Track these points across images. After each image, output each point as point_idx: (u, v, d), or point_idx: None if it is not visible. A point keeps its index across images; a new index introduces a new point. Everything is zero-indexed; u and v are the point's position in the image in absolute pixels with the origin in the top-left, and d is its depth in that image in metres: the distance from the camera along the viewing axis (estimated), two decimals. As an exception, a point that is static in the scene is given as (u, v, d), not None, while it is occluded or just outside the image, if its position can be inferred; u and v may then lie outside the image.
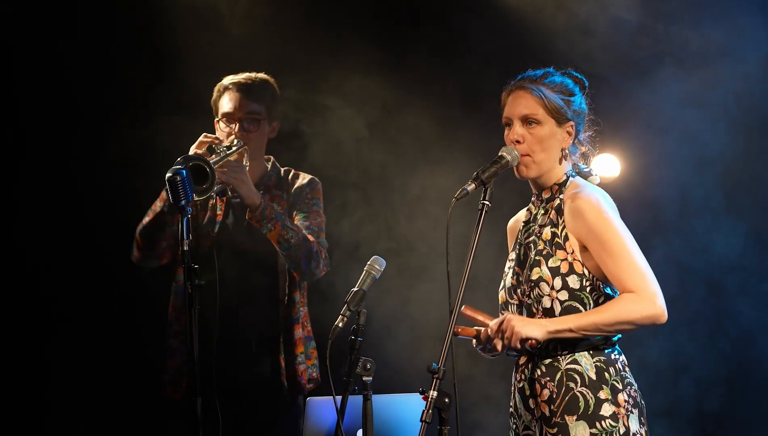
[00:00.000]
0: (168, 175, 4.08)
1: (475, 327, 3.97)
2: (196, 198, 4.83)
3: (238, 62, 5.53)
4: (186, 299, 4.04)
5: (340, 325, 3.94)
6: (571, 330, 3.79)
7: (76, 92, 6.21)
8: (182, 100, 6.07)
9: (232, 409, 5.11)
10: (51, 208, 6.27)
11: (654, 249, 5.92)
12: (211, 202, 5.27)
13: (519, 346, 3.82)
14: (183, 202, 4.08)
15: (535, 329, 3.80)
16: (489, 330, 3.88)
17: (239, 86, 5.25)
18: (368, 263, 4.01)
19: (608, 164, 6.35)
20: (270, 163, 5.38)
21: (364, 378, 3.84)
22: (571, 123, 3.97)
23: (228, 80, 5.28)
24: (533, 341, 3.80)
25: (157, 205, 5.08)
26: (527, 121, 3.95)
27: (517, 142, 3.94)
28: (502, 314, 4.04)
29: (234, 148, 5.10)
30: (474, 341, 4.01)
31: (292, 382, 5.16)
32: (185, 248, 4.05)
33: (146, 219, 5.10)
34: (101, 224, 6.21)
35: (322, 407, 4.32)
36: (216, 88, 5.29)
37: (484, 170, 3.84)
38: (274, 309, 5.20)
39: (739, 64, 6.09)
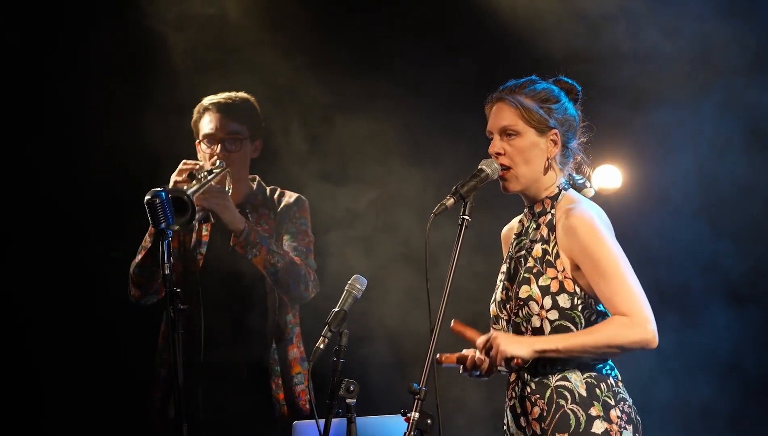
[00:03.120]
0: (147, 197, 4.02)
1: (458, 354, 3.91)
2: (177, 229, 4.78)
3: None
4: (169, 324, 3.98)
5: (321, 347, 3.89)
6: (557, 350, 3.72)
7: (62, 94, 6.19)
8: (169, 102, 6.04)
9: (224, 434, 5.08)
10: (40, 232, 6.27)
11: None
12: (196, 226, 5.21)
13: (503, 364, 3.74)
14: (163, 225, 4.03)
15: (521, 347, 3.73)
16: (476, 347, 3.80)
17: (219, 106, 5.20)
18: (349, 282, 3.95)
19: (609, 175, 6.27)
20: (255, 182, 5.33)
21: (348, 400, 3.79)
22: (555, 131, 3.87)
23: (207, 101, 5.23)
24: (518, 360, 3.74)
25: (147, 240, 5.06)
26: (506, 132, 3.87)
27: (498, 154, 3.87)
28: (493, 327, 3.98)
29: (216, 172, 5.03)
30: (460, 368, 3.93)
31: (291, 405, 5.10)
32: (166, 271, 4.00)
33: (138, 257, 5.08)
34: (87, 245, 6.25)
35: (307, 431, 4.27)
36: (196, 110, 5.24)
37: (463, 184, 3.77)
38: (266, 331, 5.13)
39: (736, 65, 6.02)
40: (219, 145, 5.15)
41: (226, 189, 5.10)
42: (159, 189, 4.06)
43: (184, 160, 5.00)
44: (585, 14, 6.08)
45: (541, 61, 5.84)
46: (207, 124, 5.18)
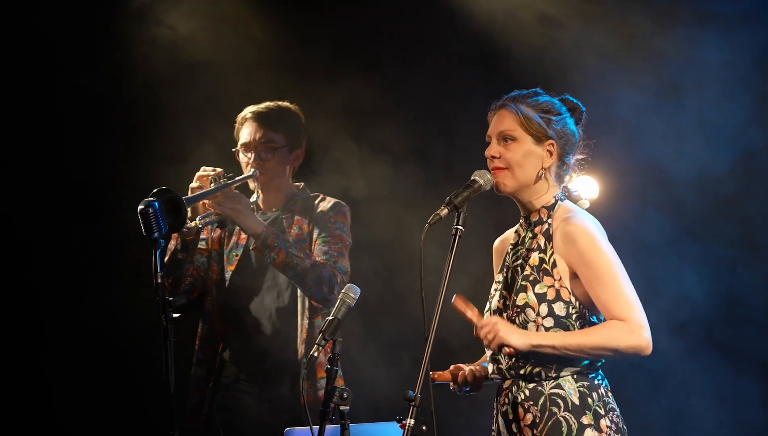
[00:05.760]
0: (140, 207, 4.04)
1: (450, 371, 3.97)
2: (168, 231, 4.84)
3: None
4: (161, 332, 3.99)
5: (316, 354, 3.91)
6: (554, 347, 3.76)
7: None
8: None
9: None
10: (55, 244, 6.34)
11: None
12: (236, 228, 5.31)
13: (495, 349, 3.80)
14: (155, 234, 4.03)
15: (519, 337, 3.77)
16: (475, 326, 3.84)
17: (257, 115, 5.30)
18: (342, 290, 3.98)
19: (586, 186, 6.30)
20: (299, 189, 5.38)
21: (341, 408, 3.80)
22: (552, 142, 3.93)
23: (247, 110, 5.34)
24: (510, 349, 3.78)
25: (171, 243, 5.11)
26: (504, 137, 3.93)
27: (493, 157, 3.92)
28: None
29: (236, 179, 5.14)
30: (451, 383, 3.98)
31: (313, 408, 5.12)
32: (158, 280, 4.01)
33: (165, 259, 5.10)
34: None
35: (302, 438, 4.29)
36: (237, 120, 5.34)
37: (457, 195, 3.81)
38: (294, 334, 5.19)
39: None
40: (253, 153, 5.22)
41: (255, 196, 5.21)
42: (152, 199, 4.08)
43: (203, 167, 5.08)
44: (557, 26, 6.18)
45: (515, 73, 5.98)
46: (244, 132, 5.28)
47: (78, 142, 6.33)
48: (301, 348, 5.16)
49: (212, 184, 5.04)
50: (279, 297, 5.23)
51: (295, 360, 5.17)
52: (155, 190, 4.52)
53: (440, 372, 3.96)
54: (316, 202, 5.34)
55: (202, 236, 5.29)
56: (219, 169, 5.09)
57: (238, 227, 5.28)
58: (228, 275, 5.29)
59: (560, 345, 3.77)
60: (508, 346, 3.77)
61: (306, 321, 5.17)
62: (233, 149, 5.31)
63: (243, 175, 5.21)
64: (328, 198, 5.35)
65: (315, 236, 5.25)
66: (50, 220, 6.36)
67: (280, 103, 5.36)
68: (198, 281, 5.29)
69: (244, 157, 5.28)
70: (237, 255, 5.29)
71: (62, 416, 6.37)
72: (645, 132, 6.24)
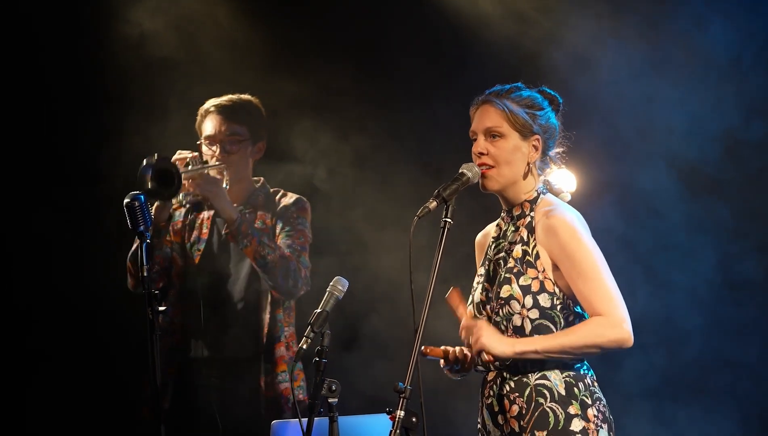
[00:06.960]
0: (126, 200, 4.05)
1: (442, 348, 3.98)
2: (159, 203, 4.88)
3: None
4: (147, 325, 4.00)
5: (304, 347, 3.92)
6: (536, 352, 3.79)
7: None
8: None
9: (211, 429, 5.17)
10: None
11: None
12: (198, 222, 5.32)
13: (475, 354, 3.82)
14: (141, 227, 4.05)
15: (502, 346, 3.80)
16: (461, 326, 3.88)
17: (221, 108, 5.33)
18: (331, 283, 4.00)
19: (564, 179, 6.32)
20: (260, 184, 5.41)
21: (330, 400, 3.81)
22: (537, 137, 3.96)
23: (210, 103, 5.37)
24: (489, 357, 3.81)
25: None
26: (491, 134, 3.94)
27: (481, 154, 3.93)
28: None
29: (210, 164, 5.18)
30: (441, 361, 4.00)
31: (273, 402, 5.16)
32: (144, 273, 4.02)
33: (134, 245, 5.16)
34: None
35: (288, 430, 4.30)
36: (199, 112, 5.38)
37: (445, 188, 3.82)
38: (256, 328, 5.20)
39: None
40: (218, 146, 5.23)
41: (224, 186, 5.20)
42: (138, 192, 4.09)
43: (178, 151, 5.11)
44: (533, 21, 6.19)
45: (491, 67, 5.99)
46: (208, 125, 5.31)
47: (57, 120, 6.32)
48: (261, 342, 5.21)
49: (189, 167, 5.08)
50: (239, 291, 5.26)
51: (257, 354, 5.20)
52: (149, 157, 4.56)
53: (432, 347, 3.96)
54: (278, 197, 5.39)
55: None
56: (195, 153, 5.16)
57: (200, 221, 5.31)
58: (192, 270, 5.31)
59: (542, 349, 3.79)
60: (488, 353, 3.80)
61: (268, 315, 5.21)
62: (197, 142, 5.32)
63: (213, 163, 5.23)
64: (289, 194, 5.40)
65: (278, 230, 5.29)
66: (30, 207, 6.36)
67: (242, 96, 5.41)
68: (164, 271, 5.31)
69: (208, 150, 5.30)
70: (199, 250, 5.32)
71: (40, 403, 6.36)
72: (623, 121, 6.27)
